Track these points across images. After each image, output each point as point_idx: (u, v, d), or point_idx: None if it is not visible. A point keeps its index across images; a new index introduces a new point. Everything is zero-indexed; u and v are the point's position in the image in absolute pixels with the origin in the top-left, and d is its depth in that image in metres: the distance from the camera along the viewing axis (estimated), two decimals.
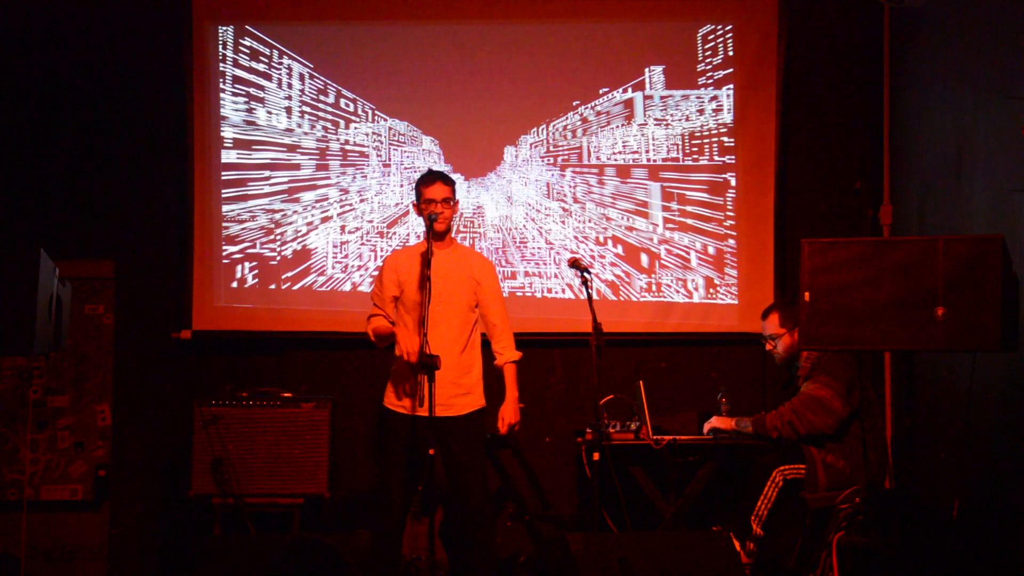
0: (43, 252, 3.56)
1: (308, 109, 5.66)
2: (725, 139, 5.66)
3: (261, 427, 5.09)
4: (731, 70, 5.65)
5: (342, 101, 5.67)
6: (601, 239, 5.65)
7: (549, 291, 5.66)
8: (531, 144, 5.67)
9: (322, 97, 5.67)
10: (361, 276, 5.62)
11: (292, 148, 5.66)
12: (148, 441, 5.60)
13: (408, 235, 5.63)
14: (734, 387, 5.17)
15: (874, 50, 5.64)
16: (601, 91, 5.67)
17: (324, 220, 5.65)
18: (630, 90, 5.66)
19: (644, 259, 5.64)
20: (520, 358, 4.45)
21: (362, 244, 5.65)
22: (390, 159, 5.67)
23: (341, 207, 5.66)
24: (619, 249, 5.64)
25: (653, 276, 5.63)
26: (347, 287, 5.63)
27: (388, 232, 5.65)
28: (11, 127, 5.64)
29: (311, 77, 5.66)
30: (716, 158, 5.66)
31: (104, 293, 5.59)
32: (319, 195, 5.66)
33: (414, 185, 4.48)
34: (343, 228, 5.65)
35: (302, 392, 5.37)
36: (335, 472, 5.18)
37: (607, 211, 5.65)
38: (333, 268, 5.64)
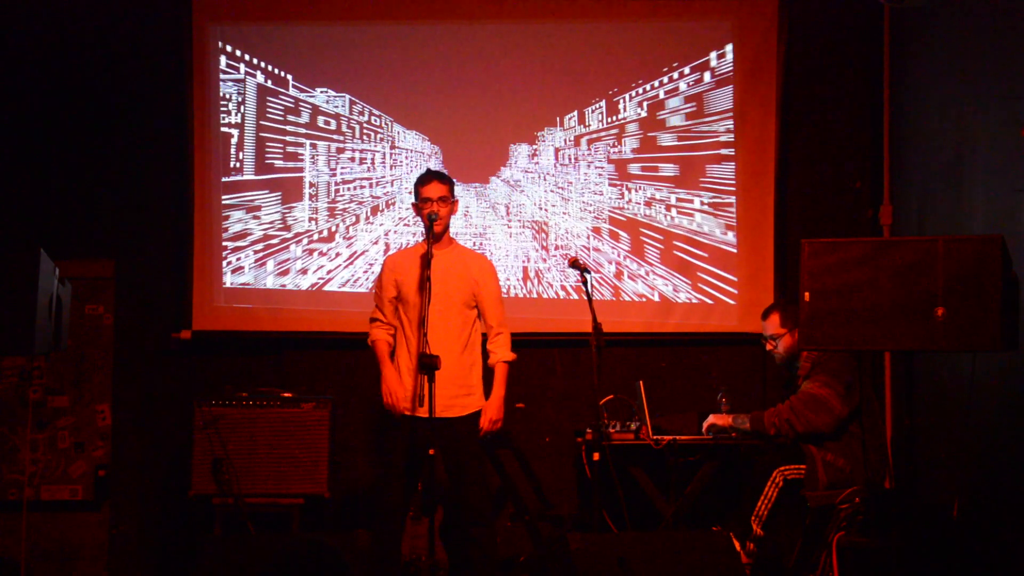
0: (43, 252, 3.56)
1: (310, 110, 5.67)
2: (724, 138, 5.66)
3: (261, 427, 5.09)
4: (731, 70, 5.65)
5: (341, 102, 5.67)
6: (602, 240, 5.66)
7: (550, 289, 5.66)
8: (538, 144, 5.68)
9: (322, 98, 5.67)
10: (362, 276, 5.63)
11: (289, 148, 5.66)
12: (148, 441, 5.60)
13: (398, 223, 5.64)
14: (734, 387, 5.17)
15: (874, 50, 5.63)
16: (594, 101, 5.66)
17: (326, 218, 5.66)
18: (628, 91, 5.66)
19: (650, 255, 5.65)
20: (514, 360, 4.45)
21: (361, 249, 5.65)
22: (394, 160, 5.68)
23: (341, 207, 5.67)
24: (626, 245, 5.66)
25: (653, 276, 5.64)
26: (347, 287, 5.63)
27: (382, 239, 5.66)
28: (11, 127, 5.64)
29: (313, 78, 5.66)
30: (715, 158, 5.66)
31: (104, 293, 5.59)
32: (318, 194, 5.66)
33: (412, 186, 4.49)
34: (344, 228, 5.65)
35: (302, 392, 5.36)
36: (335, 472, 5.18)
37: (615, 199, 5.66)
38: (333, 268, 5.64)
